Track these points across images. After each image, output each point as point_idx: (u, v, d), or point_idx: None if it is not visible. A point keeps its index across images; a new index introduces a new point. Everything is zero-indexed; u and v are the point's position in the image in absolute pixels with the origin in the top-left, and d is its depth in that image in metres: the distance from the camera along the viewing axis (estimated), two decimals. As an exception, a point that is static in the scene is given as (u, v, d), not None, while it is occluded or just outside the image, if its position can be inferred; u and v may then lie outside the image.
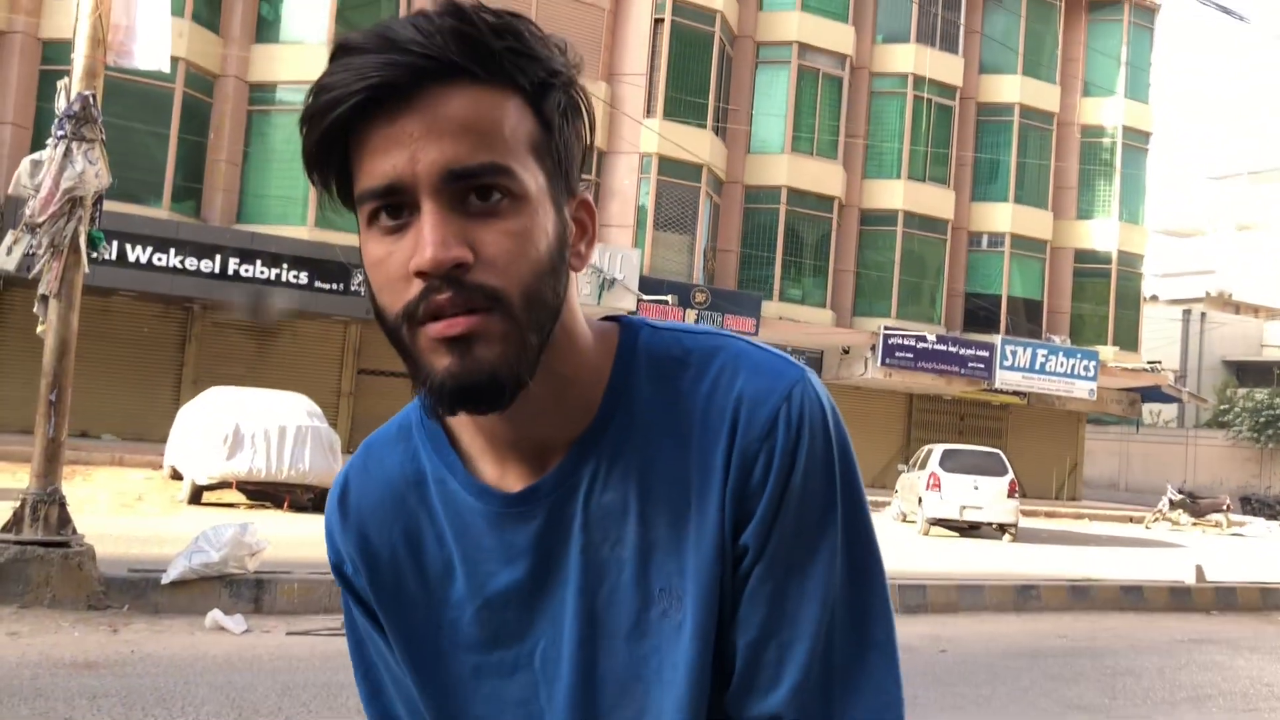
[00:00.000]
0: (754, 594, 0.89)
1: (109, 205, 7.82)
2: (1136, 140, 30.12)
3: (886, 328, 25.33)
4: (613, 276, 21.26)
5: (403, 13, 21.05)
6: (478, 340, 0.81)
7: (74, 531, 7.22)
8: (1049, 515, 24.71)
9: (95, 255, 7.33)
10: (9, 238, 7.09)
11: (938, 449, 18.36)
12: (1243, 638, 10.06)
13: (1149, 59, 30.90)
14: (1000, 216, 28.49)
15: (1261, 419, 39.02)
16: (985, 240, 28.71)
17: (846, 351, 25.72)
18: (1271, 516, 30.58)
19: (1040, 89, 29.04)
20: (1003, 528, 17.55)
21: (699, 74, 24.13)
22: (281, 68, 20.81)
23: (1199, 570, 12.23)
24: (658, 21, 23.79)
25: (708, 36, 24.26)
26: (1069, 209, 29.63)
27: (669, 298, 21.98)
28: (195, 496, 12.93)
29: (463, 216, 0.81)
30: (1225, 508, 25.42)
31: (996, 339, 26.55)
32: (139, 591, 7.25)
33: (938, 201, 27.56)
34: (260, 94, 21.05)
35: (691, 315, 22.19)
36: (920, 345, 25.18)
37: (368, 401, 21.25)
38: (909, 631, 8.80)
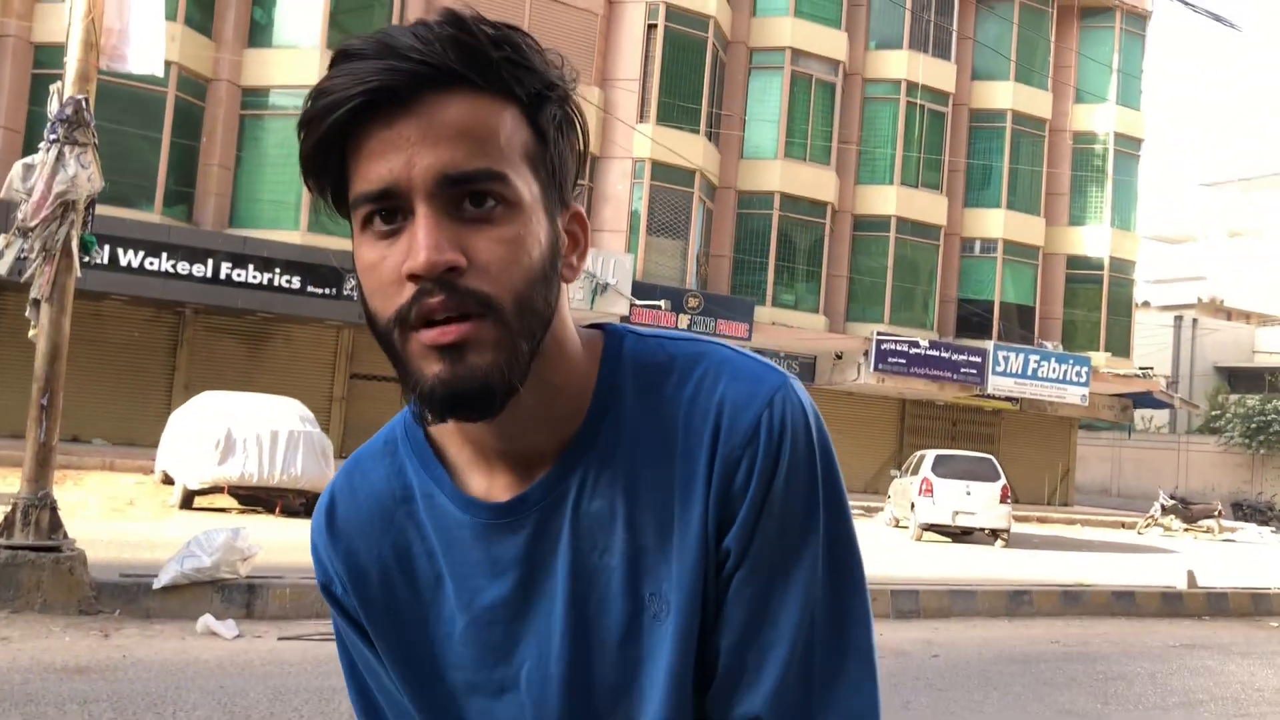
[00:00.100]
0: (736, 597, 0.90)
1: (100, 209, 7.81)
2: (1128, 147, 30.23)
3: (879, 333, 25.37)
4: (606, 281, 21.27)
5: (395, 16, 21.18)
6: (470, 348, 0.82)
7: (65, 536, 7.20)
8: (1041, 521, 24.74)
9: (87, 259, 7.32)
10: (0, 241, 7.07)
11: (930, 454, 18.38)
12: (1234, 643, 10.08)
13: (1141, 66, 31.02)
14: (993, 222, 28.57)
15: (1253, 425, 39.13)
16: (978, 246, 28.78)
17: (839, 357, 25.76)
18: (1263, 522, 30.66)
19: (1033, 95, 29.14)
20: (995, 533, 17.56)
21: (692, 79, 24.17)
22: (274, 72, 20.80)
23: (1190, 576, 12.26)
24: (651, 27, 23.83)
25: (701, 42, 24.31)
26: (1061, 215, 29.72)
27: (662, 303, 21.99)
28: (187, 501, 12.89)
29: (457, 222, 0.82)
30: (1217, 513, 25.48)
31: (989, 345, 26.61)
32: (130, 596, 7.22)
33: (930, 207, 27.63)
34: (253, 98, 21.03)
35: (684, 320, 22.20)
36: (913, 351, 25.22)
37: (360, 406, 21.23)
38: (901, 636, 8.81)
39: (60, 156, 6.92)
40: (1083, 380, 27.18)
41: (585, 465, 0.92)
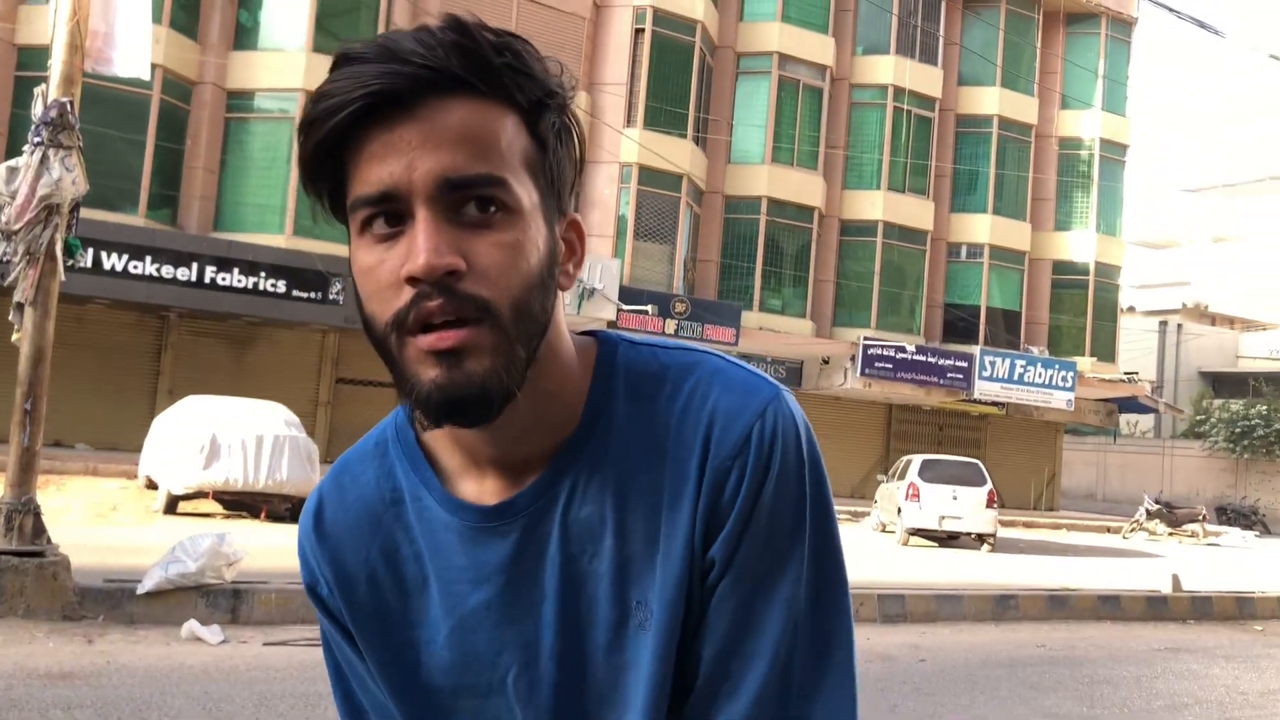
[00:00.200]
0: (719, 607, 0.90)
1: (84, 212, 7.76)
2: (1113, 152, 30.38)
3: (866, 338, 25.42)
4: (593, 286, 21.26)
5: (381, 19, 21.15)
6: (468, 354, 0.82)
7: (49, 541, 7.16)
8: (1027, 525, 24.83)
9: (71, 263, 7.28)
10: (-16, 245, 7.02)
11: (917, 459, 18.43)
12: (1218, 646, 10.13)
13: (1126, 72, 31.19)
14: (979, 228, 28.66)
15: (1237, 430, 39.34)
16: (964, 251, 28.87)
17: (826, 362, 25.81)
18: (1247, 526, 30.83)
19: (1018, 101, 29.27)
20: (981, 538, 17.61)
21: (679, 84, 24.19)
22: (260, 75, 20.72)
23: (1175, 580, 12.31)
24: (638, 31, 23.84)
25: (688, 46, 24.34)
26: (1047, 220, 29.84)
27: (649, 307, 21.99)
28: (171, 506, 12.82)
29: (456, 226, 0.82)
30: (1201, 518, 25.60)
31: (975, 350, 26.69)
32: (114, 602, 7.19)
33: (917, 212, 27.71)
34: (238, 101, 20.95)
35: (671, 325, 22.21)
36: (899, 356, 25.29)
37: (346, 411, 21.16)
38: (888, 641, 8.82)
39: (44, 159, 6.89)
40: (1068, 385, 27.30)
41: (575, 471, 0.92)
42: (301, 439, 13.11)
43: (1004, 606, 10.85)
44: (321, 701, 5.58)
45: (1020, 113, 29.28)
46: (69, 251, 7.17)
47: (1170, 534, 25.14)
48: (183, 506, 13.00)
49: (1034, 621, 10.72)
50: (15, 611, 6.80)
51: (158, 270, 18.30)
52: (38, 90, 7.17)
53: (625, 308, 21.67)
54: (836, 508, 0.96)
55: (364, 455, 1.01)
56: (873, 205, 27.18)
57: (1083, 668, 8.49)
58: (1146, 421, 44.25)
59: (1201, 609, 12.00)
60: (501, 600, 0.93)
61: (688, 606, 0.90)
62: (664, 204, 23.89)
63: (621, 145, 23.03)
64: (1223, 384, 45.73)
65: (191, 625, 6.92)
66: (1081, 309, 29.85)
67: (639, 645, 0.91)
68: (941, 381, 26.02)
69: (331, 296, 19.46)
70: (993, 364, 26.50)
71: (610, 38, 23.90)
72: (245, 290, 18.98)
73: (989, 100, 28.93)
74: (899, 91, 27.38)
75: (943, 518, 17.32)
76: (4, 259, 6.96)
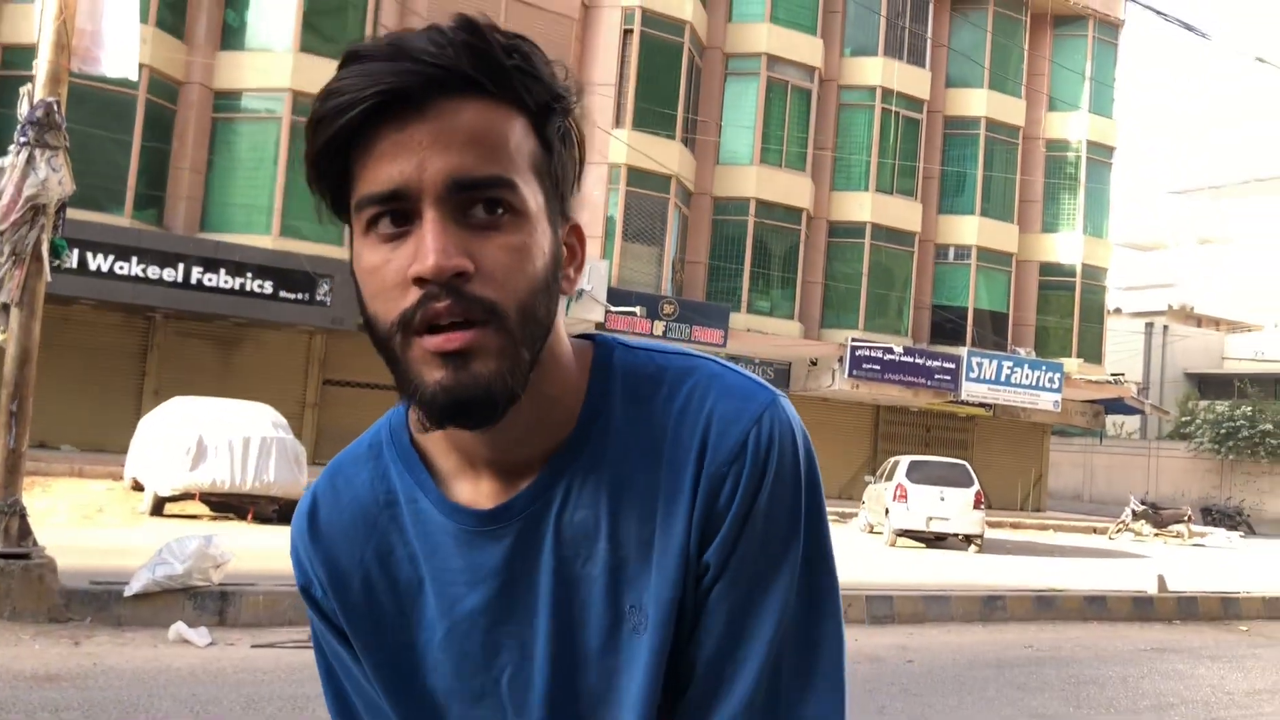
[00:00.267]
0: (712, 611, 0.90)
1: (69, 213, 7.72)
2: (1100, 155, 30.51)
3: (854, 340, 25.47)
4: (581, 287, 21.25)
5: (369, 20, 21.10)
6: (474, 355, 0.81)
7: (35, 543, 7.12)
8: (1014, 526, 24.91)
9: (58, 264, 7.24)
10: (-31, 245, 6.98)
11: (904, 460, 18.46)
12: (1204, 646, 10.18)
13: (1113, 74, 31.33)
14: (966, 229, 28.76)
15: (1222, 431, 39.55)
16: (952, 253, 28.96)
17: (814, 363, 25.85)
18: (1231, 527, 30.99)
19: (1006, 103, 29.37)
20: (968, 539, 17.66)
21: (668, 85, 24.21)
22: (247, 75, 20.65)
23: (1161, 580, 12.37)
24: (627, 32, 23.85)
25: (677, 47, 24.35)
26: (1034, 222, 29.95)
27: (637, 309, 21.99)
28: (157, 508, 12.77)
29: (464, 228, 0.82)
30: (1187, 519, 25.73)
31: (963, 351, 26.77)
32: (101, 604, 7.15)
33: (905, 214, 27.78)
34: (225, 101, 20.88)
35: (659, 327, 22.21)
36: (887, 357, 25.34)
37: (333, 412, 21.10)
38: (876, 642, 8.84)
39: (31, 159, 6.86)
40: (1055, 386, 27.40)
41: (571, 474, 0.92)
42: (289, 440, 13.07)
43: (991, 607, 10.88)
44: (310, 704, 5.57)
45: (1008, 114, 29.39)
46: (55, 252, 7.13)
47: (1156, 535, 25.26)
48: (169, 508, 12.95)
49: (1021, 622, 10.76)
50: (1, 614, 6.76)
51: (144, 271, 18.23)
52: (23, 90, 7.13)
53: (613, 309, 21.66)
54: (829, 520, 0.97)
55: (358, 457, 1.01)
56: (861, 207, 27.24)
57: (1069, 668, 8.52)
58: (1133, 423, 44.46)
59: (1187, 609, 12.06)
60: (497, 603, 0.93)
61: (681, 610, 0.90)
62: (652, 205, 23.90)
63: (610, 146, 23.03)
64: (1208, 385, 45.99)
65: (179, 627, 6.90)
66: (1068, 310, 29.97)
67: (633, 649, 0.91)
68: (929, 383, 26.08)
69: (318, 298, 19.40)
70: (980, 365, 26.58)
71: (599, 38, 23.91)
72: (231, 291, 18.92)
73: (976, 102, 29.03)
74: (887, 93, 27.45)
75: (930, 519, 17.36)
76: (-11, 259, 6.92)
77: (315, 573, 0.99)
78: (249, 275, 19.01)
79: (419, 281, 0.80)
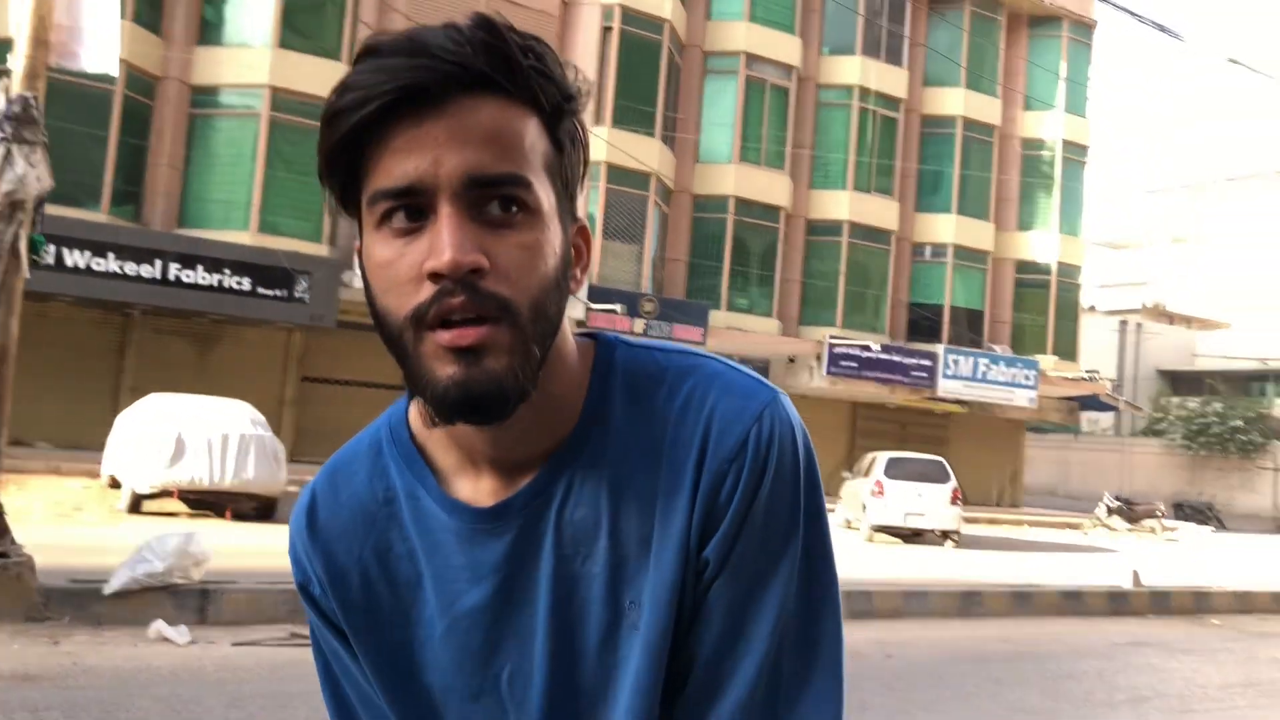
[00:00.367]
0: (712, 606, 0.91)
1: (46, 209, 7.66)
2: (1075, 154, 30.73)
3: (832, 337, 25.57)
4: (562, 284, 21.18)
5: (348, 18, 21.00)
6: (487, 351, 0.82)
7: (12, 542, 7.07)
8: (990, 522, 25.07)
9: (36, 260, 7.19)
10: (-54, 241, 6.92)
11: (882, 457, 18.56)
12: (1176, 640, 10.30)
13: (1086, 74, 31.56)
14: (943, 228, 28.91)
15: (1193, 427, 39.97)
16: (928, 251, 29.11)
17: (792, 361, 25.92)
18: (1203, 522, 31.34)
19: (982, 102, 29.53)
20: (945, 534, 17.78)
21: (647, 83, 24.21)
22: (225, 70, 20.52)
23: (1135, 575, 12.50)
24: (606, 30, 23.84)
25: (656, 45, 24.36)
26: (1010, 220, 30.14)
27: (617, 307, 21.99)
28: (135, 505, 12.68)
29: (479, 224, 0.82)
30: (1159, 514, 26.00)
31: (939, 348, 26.92)
32: (80, 602, 7.11)
33: (882, 212, 27.90)
34: (203, 97, 20.73)
35: (640, 325, 22.22)
36: (865, 355, 25.46)
37: (311, 409, 20.99)
38: (856, 637, 8.89)
39: (8, 155, 6.80)
40: (1031, 383, 27.60)
41: (571, 472, 0.93)
42: (268, 438, 13.01)
43: (970, 603, 10.97)
44: (292, 701, 5.56)
45: (984, 114, 29.55)
46: (33, 249, 7.09)
47: (1129, 530, 25.51)
48: (147, 506, 12.86)
49: (999, 617, 10.85)
50: (-21, 613, 6.71)
51: (121, 267, 18.08)
52: (0, 84, 7.08)
53: (594, 307, 21.65)
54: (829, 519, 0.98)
55: (356, 454, 1.01)
56: (838, 205, 27.33)
57: (1047, 663, 8.61)
58: (1107, 419, 44.85)
59: (1160, 604, 12.20)
60: (496, 600, 0.93)
61: (680, 606, 0.91)
62: (632, 203, 23.90)
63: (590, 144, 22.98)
64: (1180, 382, 46.44)
65: (159, 626, 6.86)
66: (1044, 308, 30.18)
67: (631, 645, 0.92)
68: (906, 380, 26.22)
69: (297, 294, 19.30)
70: (956, 363, 26.75)
71: (578, 36, 23.88)
72: (209, 288, 18.80)
73: (953, 101, 29.17)
74: (865, 92, 27.56)
75: (907, 514, 17.47)
76: (-33, 256, 6.87)
77: (314, 570, 0.99)
78: (227, 272, 18.89)
79: (434, 277, 0.80)
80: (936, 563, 14.97)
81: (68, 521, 11.81)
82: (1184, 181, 58.53)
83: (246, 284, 19.03)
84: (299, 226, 20.26)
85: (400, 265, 0.82)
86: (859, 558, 14.77)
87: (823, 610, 0.93)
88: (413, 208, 0.82)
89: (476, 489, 0.94)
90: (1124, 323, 46.75)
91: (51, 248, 16.26)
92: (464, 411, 0.83)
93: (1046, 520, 27.22)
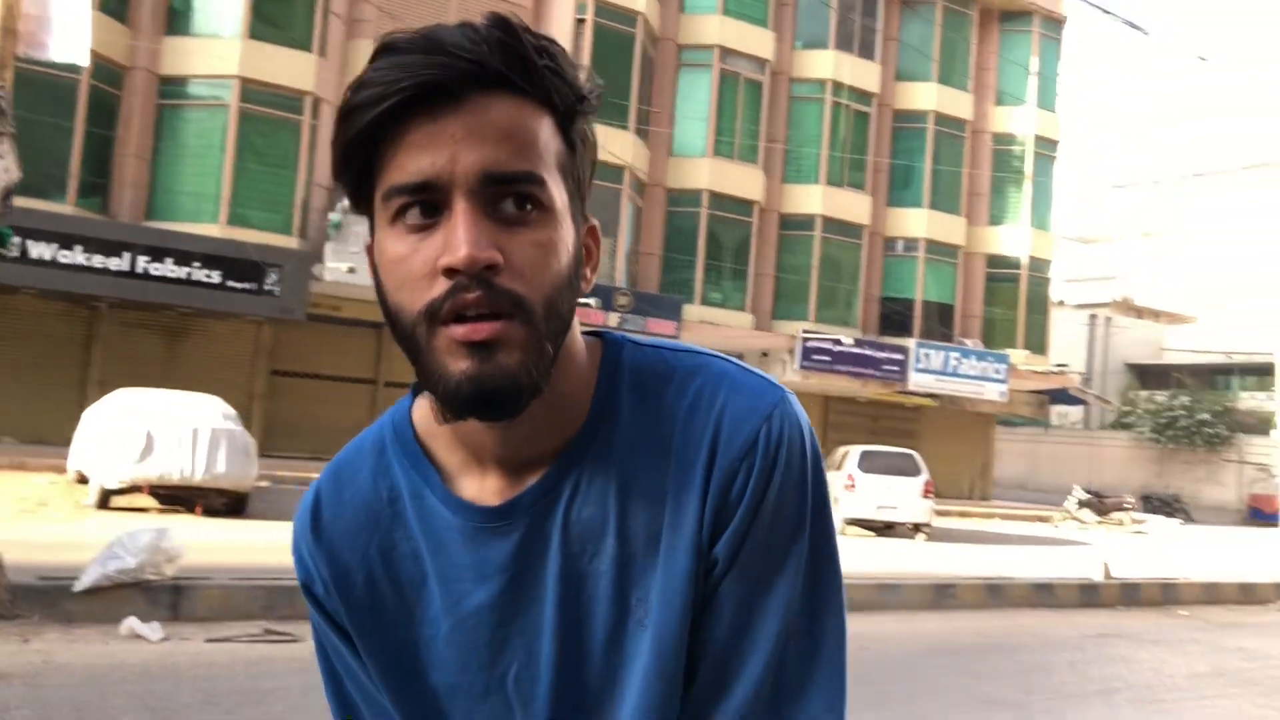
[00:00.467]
0: (719, 603, 0.91)
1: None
2: (1045, 149, 30.96)
3: (805, 331, 25.65)
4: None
5: (319, 8, 20.82)
6: (500, 347, 0.82)
7: (-20, 538, 6.97)
8: (961, 515, 25.27)
9: (3, 253, 7.09)
10: (-89, 233, 6.81)
11: (855, 450, 18.66)
12: (1145, 631, 10.43)
13: (1057, 69, 31.79)
14: (915, 222, 29.06)
15: (1161, 420, 40.42)
16: (900, 245, 29.25)
17: (765, 355, 25.99)
18: (1170, 514, 31.72)
19: (954, 97, 29.70)
20: (917, 527, 17.90)
21: (621, 75, 24.17)
22: (194, 61, 20.30)
23: (1105, 567, 12.63)
24: (579, 22, 23.77)
25: (629, 38, 24.32)
26: (981, 215, 30.34)
27: (592, 301, 21.95)
28: (104, 501, 12.53)
29: (494, 221, 0.82)
30: (1128, 506, 26.29)
31: (911, 342, 27.07)
32: (50, 600, 7.02)
33: (855, 206, 28.02)
34: (171, 87, 20.50)
35: (614, 319, 22.20)
36: (837, 348, 25.56)
37: (281, 403, 20.84)
38: (831, 630, 8.92)
39: (-25, 146, 6.70)
40: (1001, 377, 27.82)
41: (579, 471, 0.93)
42: (239, 432, 12.89)
43: (943, 595, 11.05)
44: (268, 697, 5.52)
45: (956, 108, 29.72)
46: (1, 241, 6.98)
47: (1099, 522, 25.78)
48: (116, 501, 12.72)
49: (972, 610, 10.94)
50: (-54, 610, 6.62)
51: (88, 259, 17.86)
52: (-33, 75, 6.97)
53: (567, 300, 21.57)
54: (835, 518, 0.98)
55: (359, 453, 1.01)
56: (811, 199, 27.41)
57: (1019, 654, 8.69)
58: (1076, 413, 45.26)
59: (1130, 595, 12.34)
60: (503, 599, 0.93)
61: (688, 607, 0.91)
62: (606, 196, 23.86)
63: (562, 136, 22.92)
64: (1148, 376, 46.96)
65: (131, 622, 6.79)
66: (1014, 302, 30.42)
67: (638, 642, 0.92)
68: (877, 374, 26.36)
69: (267, 287, 19.14)
70: (927, 356, 26.91)
71: (551, 27, 23.78)
72: (178, 280, 18.61)
73: (925, 96, 29.31)
74: (838, 86, 27.63)
75: (880, 507, 17.59)
76: (-67, 248, 6.76)
77: (318, 570, 0.99)
78: (196, 264, 18.70)
79: (449, 272, 0.80)
80: (909, 556, 15.06)
81: (34, 518, 11.66)
82: (1153, 177, 59.12)
83: (216, 277, 18.85)
84: (269, 219, 20.09)
85: (414, 261, 0.82)
86: (832, 551, 14.82)
87: (827, 609, 0.94)
88: (427, 204, 0.82)
89: (482, 488, 0.94)
90: (1093, 317, 47.20)
91: (17, 240, 16.06)
92: (476, 407, 0.83)
93: (1017, 513, 27.47)
